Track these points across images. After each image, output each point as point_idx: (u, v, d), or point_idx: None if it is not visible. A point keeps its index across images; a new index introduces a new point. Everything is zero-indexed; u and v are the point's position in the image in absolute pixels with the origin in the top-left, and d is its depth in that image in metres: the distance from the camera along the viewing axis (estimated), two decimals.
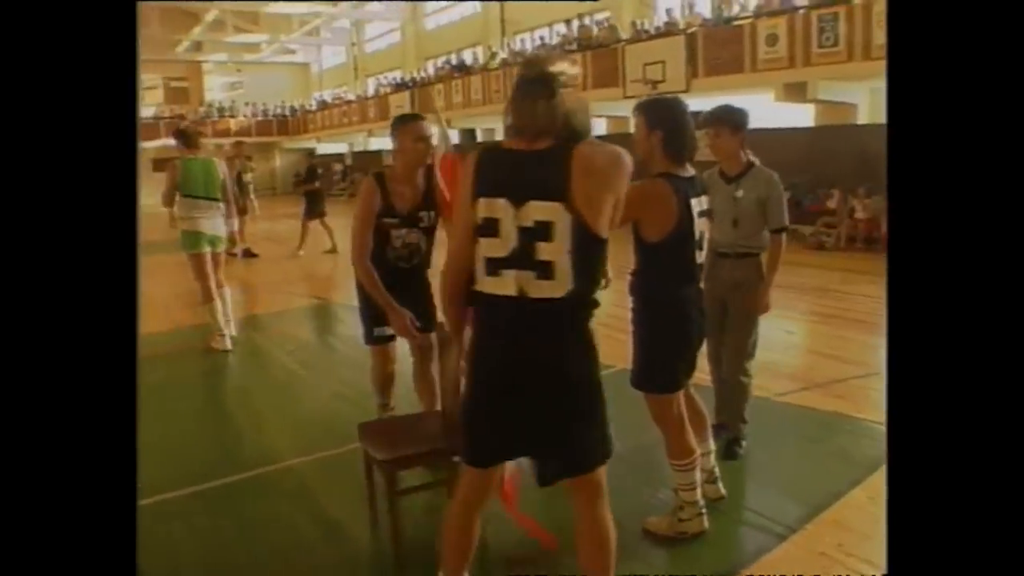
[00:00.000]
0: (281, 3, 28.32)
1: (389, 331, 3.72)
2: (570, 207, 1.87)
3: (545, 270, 1.91)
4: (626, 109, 16.71)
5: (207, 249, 6.38)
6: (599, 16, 18.81)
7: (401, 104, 22.80)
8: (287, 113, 34.01)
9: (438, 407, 3.58)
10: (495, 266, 1.97)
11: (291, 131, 33.59)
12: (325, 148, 32.55)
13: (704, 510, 3.05)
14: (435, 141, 3.65)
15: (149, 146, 28.66)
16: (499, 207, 1.94)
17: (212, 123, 32.89)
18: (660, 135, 2.79)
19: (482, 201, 1.97)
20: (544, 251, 1.90)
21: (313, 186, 12.78)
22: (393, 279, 3.62)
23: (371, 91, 29.16)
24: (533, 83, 1.98)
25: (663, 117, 2.84)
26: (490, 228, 1.96)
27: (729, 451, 3.81)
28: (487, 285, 2.00)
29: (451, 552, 2.29)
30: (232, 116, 33.72)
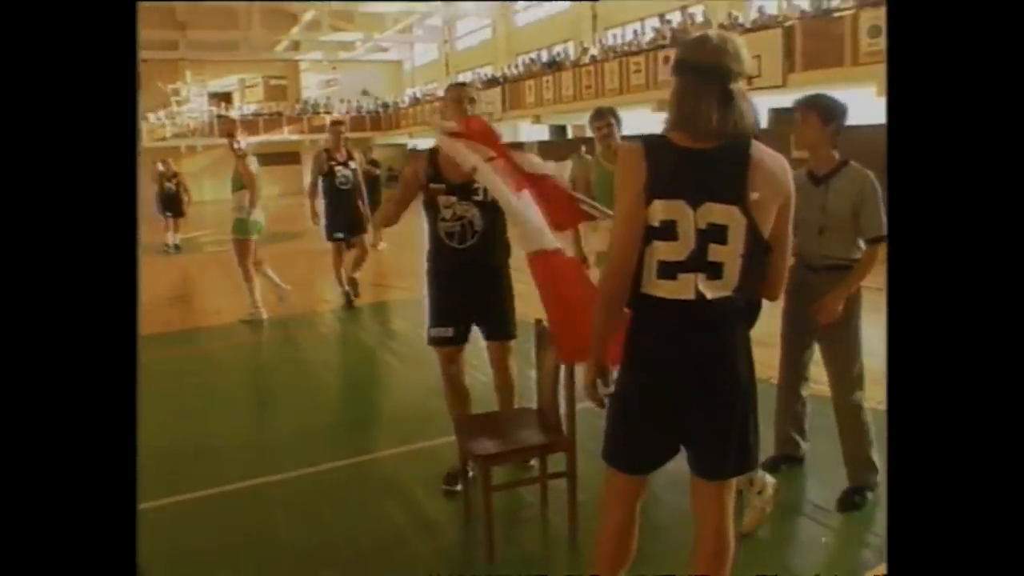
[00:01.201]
0: (377, 3, 28.89)
1: (448, 332, 3.43)
2: (745, 211, 1.82)
3: (716, 271, 1.87)
4: None
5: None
6: (692, 10, 18.49)
7: (492, 100, 22.94)
8: (380, 108, 34.73)
9: (515, 404, 3.60)
10: (672, 269, 1.89)
11: (384, 127, 34.26)
12: (417, 143, 33.11)
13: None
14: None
15: (253, 140, 29.68)
16: (677, 209, 1.86)
17: (308, 119, 33.94)
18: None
19: (658, 203, 1.87)
20: (716, 253, 1.85)
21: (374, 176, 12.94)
22: (450, 264, 3.39)
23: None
24: (708, 73, 1.85)
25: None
26: (667, 231, 1.87)
27: (848, 503, 3.20)
28: (660, 289, 1.91)
29: (608, 562, 2.19)
30: (327, 112, 34.64)
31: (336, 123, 8.34)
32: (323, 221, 8.03)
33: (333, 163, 7.63)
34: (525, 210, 2.97)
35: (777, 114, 15.61)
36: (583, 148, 19.98)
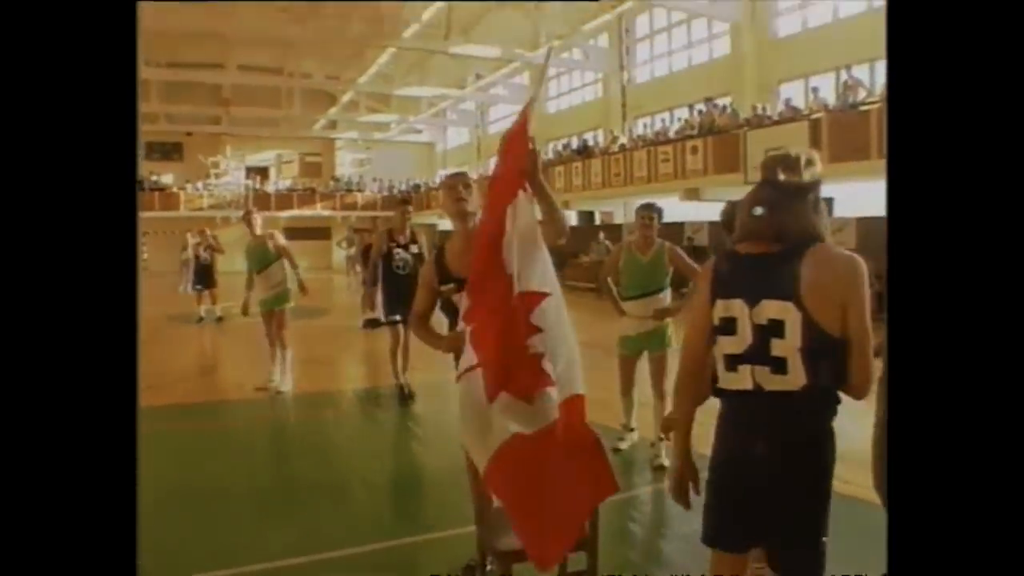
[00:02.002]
0: (413, 87, 29.81)
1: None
2: (800, 306, 1.96)
3: (780, 365, 2.00)
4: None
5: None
6: (720, 101, 18.87)
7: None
8: (411, 189, 35.40)
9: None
10: (733, 362, 2.08)
11: (415, 207, 34.75)
12: (446, 224, 33.57)
13: None
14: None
15: (283, 215, 30.42)
16: (736, 307, 2.06)
17: (340, 196, 34.71)
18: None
19: (720, 303, 2.09)
20: (777, 347, 1.99)
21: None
22: None
23: (492, 171, 29.96)
24: (786, 192, 2.05)
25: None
26: (728, 327, 2.08)
27: None
28: (727, 381, 2.11)
29: None
30: (359, 191, 35.43)
31: (403, 202, 8.02)
32: (379, 303, 7.82)
33: (393, 245, 7.37)
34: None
35: None
36: (601, 235, 20.34)
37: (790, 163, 2.06)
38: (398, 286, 7.15)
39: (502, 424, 2.51)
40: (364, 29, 23.04)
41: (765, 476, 2.04)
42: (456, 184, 3.32)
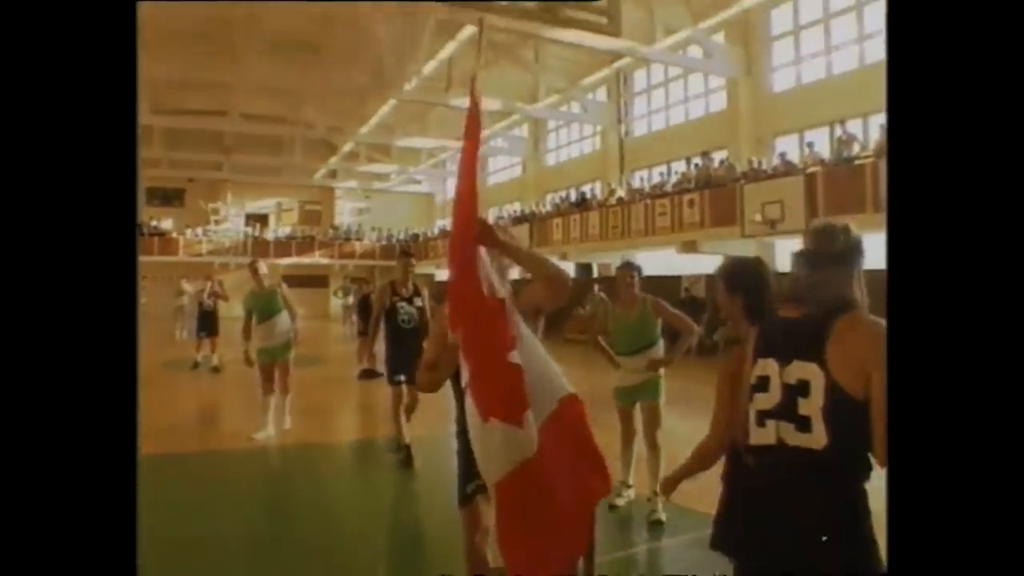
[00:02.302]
0: (414, 137, 30.17)
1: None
2: (824, 368, 2.05)
3: (804, 424, 2.08)
4: (745, 248, 16.73)
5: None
6: (717, 155, 19.11)
7: (520, 236, 23.42)
8: (410, 239, 35.56)
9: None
10: (762, 417, 2.18)
11: (413, 257, 34.78)
12: (445, 275, 33.62)
13: None
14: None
15: (282, 263, 30.51)
16: (770, 366, 2.18)
17: (339, 245, 34.85)
18: (740, 299, 2.68)
19: (759, 362, 2.22)
20: (804, 407, 2.09)
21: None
22: None
23: (491, 222, 30.13)
24: (821, 259, 2.19)
25: (744, 282, 2.74)
26: (762, 385, 2.20)
27: None
28: (755, 436, 2.20)
29: None
30: (358, 239, 35.59)
31: (406, 254, 7.48)
32: (384, 362, 7.29)
33: (396, 298, 6.94)
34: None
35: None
36: (596, 288, 20.35)
37: (827, 232, 2.22)
38: (403, 342, 6.81)
39: (505, 452, 2.47)
40: (366, 80, 23.37)
41: (776, 537, 2.09)
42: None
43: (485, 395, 2.52)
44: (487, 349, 2.53)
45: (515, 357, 2.51)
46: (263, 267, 7.97)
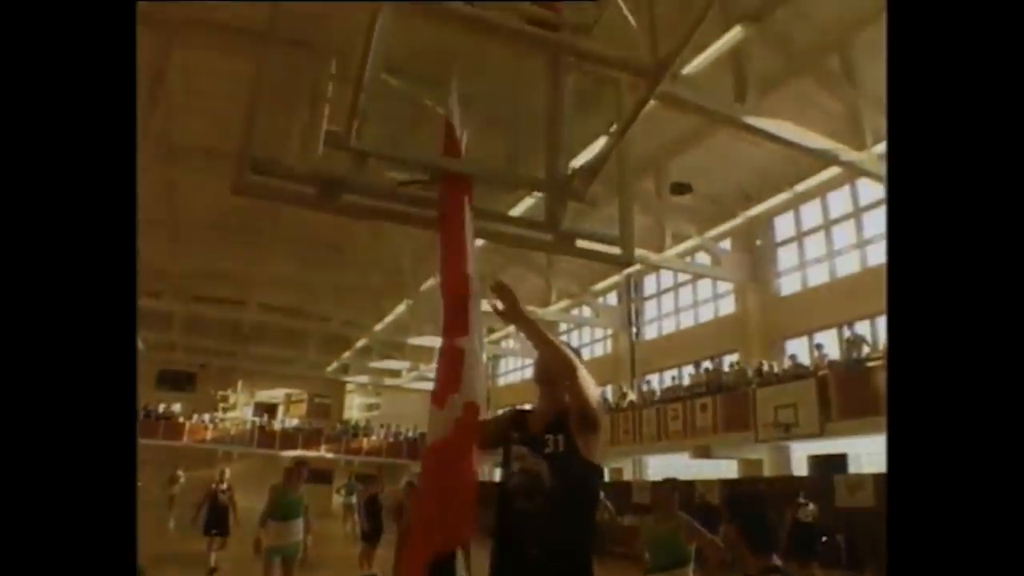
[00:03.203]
0: (427, 336, 30.60)
1: None
2: None
3: None
4: (758, 452, 16.32)
5: None
6: (728, 358, 19.14)
7: None
8: (417, 437, 35.02)
9: None
10: None
11: (421, 456, 34.04)
12: None
13: None
14: None
15: (286, 454, 30.01)
16: None
17: (346, 440, 34.29)
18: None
19: None
20: None
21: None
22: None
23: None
24: None
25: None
26: None
27: None
28: None
29: None
30: (366, 435, 35.06)
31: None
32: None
33: None
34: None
35: (817, 462, 15.33)
36: (602, 494, 19.48)
37: None
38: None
39: (432, 431, 2.99)
40: (383, 281, 24.08)
41: None
42: None
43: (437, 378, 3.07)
44: (445, 330, 3.05)
45: (462, 343, 2.97)
46: (305, 472, 8.38)
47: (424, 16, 3.15)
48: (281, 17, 3.10)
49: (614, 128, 3.80)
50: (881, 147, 11.90)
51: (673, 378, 21.30)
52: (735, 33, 10.21)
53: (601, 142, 7.52)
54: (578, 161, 4.05)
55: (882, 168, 12.01)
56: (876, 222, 16.67)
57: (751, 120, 10.70)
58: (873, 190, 16.22)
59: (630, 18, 3.25)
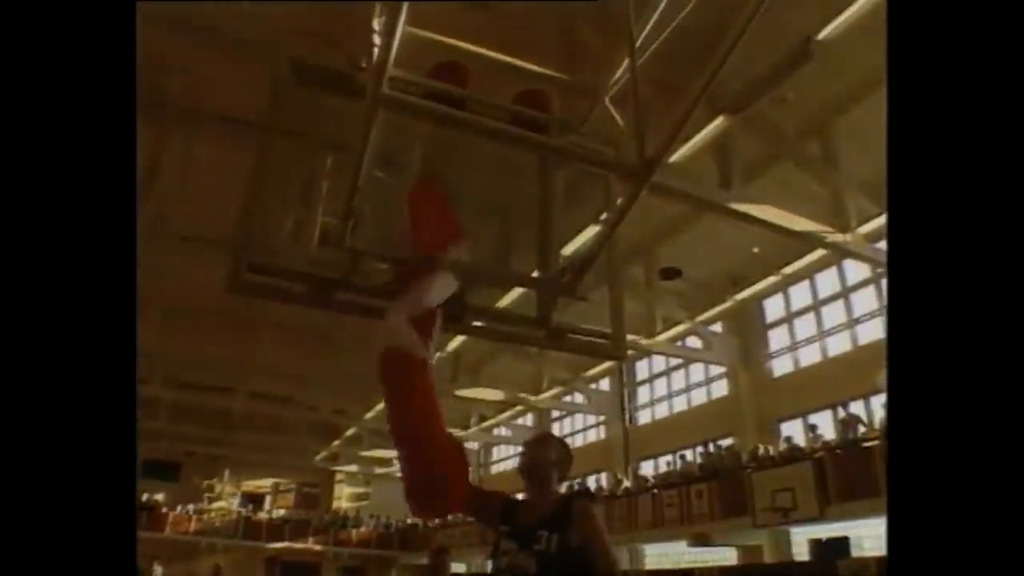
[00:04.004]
0: None
1: None
2: None
3: None
4: (757, 537, 15.95)
5: None
6: (723, 442, 18.97)
7: None
8: (407, 528, 34.13)
9: None
10: None
11: (411, 547, 33.12)
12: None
13: None
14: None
15: (272, 546, 29.16)
16: None
17: (334, 532, 33.33)
18: None
19: None
20: None
21: None
22: None
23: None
24: None
25: None
26: None
27: None
28: None
29: None
30: (355, 527, 34.11)
31: (441, 551, 7.59)
32: None
33: None
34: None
35: (816, 545, 14.98)
36: None
37: None
38: None
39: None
40: (373, 369, 23.90)
41: None
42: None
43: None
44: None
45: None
46: (277, 568, 7.96)
47: (420, 119, 3.23)
48: (279, 107, 3.15)
49: (604, 217, 3.87)
50: (866, 228, 12.17)
51: (668, 463, 21.00)
52: (719, 123, 10.51)
53: (590, 231, 7.65)
54: (568, 249, 4.11)
55: (867, 249, 12.23)
56: (866, 301, 16.86)
57: (737, 206, 10.91)
58: (859, 271, 16.43)
59: (617, 118, 3.37)
